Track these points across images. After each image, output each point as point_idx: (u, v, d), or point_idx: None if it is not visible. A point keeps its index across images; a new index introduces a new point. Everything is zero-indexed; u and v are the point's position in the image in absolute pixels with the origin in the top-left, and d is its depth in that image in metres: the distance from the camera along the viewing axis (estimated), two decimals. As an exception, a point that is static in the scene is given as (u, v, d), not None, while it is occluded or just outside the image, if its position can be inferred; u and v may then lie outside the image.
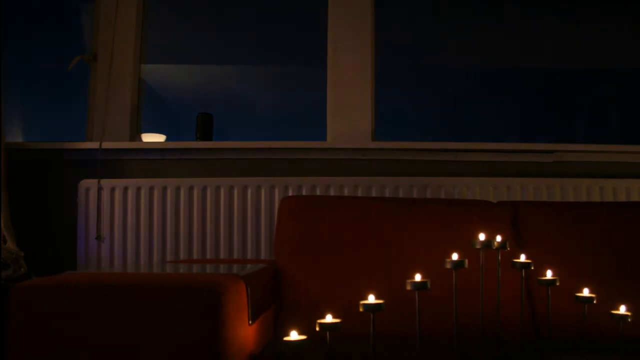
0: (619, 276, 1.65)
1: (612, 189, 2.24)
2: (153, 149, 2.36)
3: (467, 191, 2.25)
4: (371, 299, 1.16)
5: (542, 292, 1.43)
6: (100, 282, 1.02)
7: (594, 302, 1.36)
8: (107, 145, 2.29)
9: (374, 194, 2.24)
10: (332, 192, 2.24)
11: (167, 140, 2.76)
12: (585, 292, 1.38)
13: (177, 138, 2.95)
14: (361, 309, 1.14)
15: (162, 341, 0.98)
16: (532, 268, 1.36)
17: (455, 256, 1.20)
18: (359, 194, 2.24)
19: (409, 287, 1.16)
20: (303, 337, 1.18)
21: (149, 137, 2.79)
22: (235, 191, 2.25)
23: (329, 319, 1.18)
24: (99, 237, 2.23)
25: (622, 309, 1.34)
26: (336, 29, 2.48)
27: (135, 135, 2.46)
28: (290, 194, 2.24)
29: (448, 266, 1.20)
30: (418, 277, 1.17)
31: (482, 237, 1.27)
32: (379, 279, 1.53)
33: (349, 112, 2.44)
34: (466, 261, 1.20)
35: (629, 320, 1.32)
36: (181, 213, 2.25)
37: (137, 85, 2.48)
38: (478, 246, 1.26)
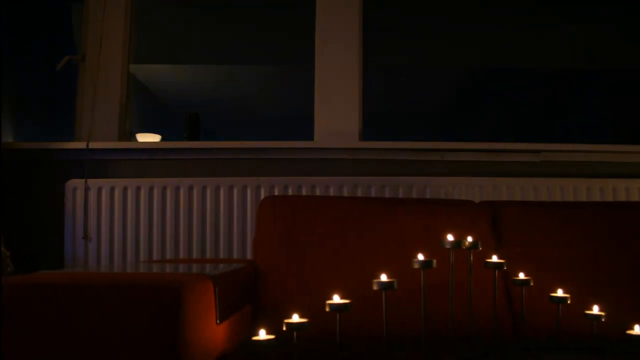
0: (600, 276, 1.64)
1: (599, 188, 2.23)
2: (140, 149, 2.37)
3: (453, 191, 2.25)
4: (336, 298, 1.16)
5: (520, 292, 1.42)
6: (65, 282, 1.03)
7: (568, 302, 1.36)
8: (94, 145, 2.30)
9: (360, 194, 2.25)
10: (318, 192, 2.24)
11: (162, 140, 2.78)
12: (560, 292, 1.38)
13: (175, 138, 2.96)
14: (327, 309, 1.14)
15: (124, 339, 0.98)
16: (505, 268, 1.35)
17: (421, 256, 1.20)
18: (345, 193, 2.24)
19: (375, 287, 1.16)
20: (271, 336, 1.18)
21: (144, 137, 2.80)
22: (222, 191, 2.26)
23: (295, 318, 1.18)
24: (86, 237, 2.24)
25: (595, 309, 1.33)
26: (324, 29, 2.48)
27: (124, 135, 2.47)
28: (276, 193, 2.24)
29: (415, 266, 1.19)
30: (384, 277, 1.17)
31: (450, 237, 1.27)
32: (356, 279, 1.53)
33: (337, 112, 2.44)
34: (434, 261, 1.20)
35: (603, 320, 1.32)
36: (168, 213, 2.26)
37: (126, 86, 2.49)
38: (447, 246, 1.25)
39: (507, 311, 1.60)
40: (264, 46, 3.69)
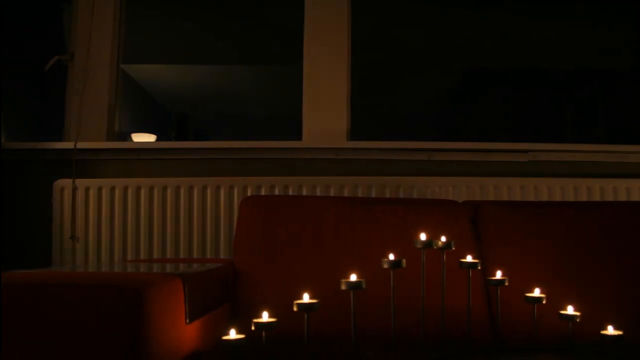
0: (580, 276, 1.63)
1: (587, 188, 2.22)
2: (127, 149, 2.37)
3: (439, 191, 2.24)
4: (305, 298, 1.16)
5: (502, 293, 1.42)
6: (28, 281, 1.03)
7: (543, 302, 1.35)
8: (82, 145, 2.31)
9: (346, 194, 2.24)
10: (304, 192, 2.24)
11: (157, 140, 2.79)
12: (536, 292, 1.37)
13: (172, 138, 2.97)
14: (295, 309, 1.14)
15: (86, 338, 0.98)
16: (479, 268, 1.35)
17: (391, 256, 1.20)
18: (331, 193, 2.24)
19: (343, 287, 1.16)
20: (241, 336, 1.18)
21: (139, 137, 2.82)
22: (208, 191, 2.26)
23: (265, 317, 1.18)
24: (73, 237, 2.25)
25: (570, 310, 1.33)
26: (312, 28, 2.48)
27: (112, 135, 2.47)
28: (263, 193, 2.24)
29: (385, 266, 1.19)
30: (353, 277, 1.17)
31: (423, 237, 1.27)
32: (333, 279, 1.52)
33: (325, 112, 2.44)
34: (404, 261, 1.19)
35: (578, 320, 1.31)
36: (155, 213, 2.26)
37: (115, 86, 2.49)
38: (419, 246, 1.25)
39: (485, 311, 1.59)
40: (259, 46, 3.69)
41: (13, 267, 2.04)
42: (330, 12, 2.47)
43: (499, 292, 1.38)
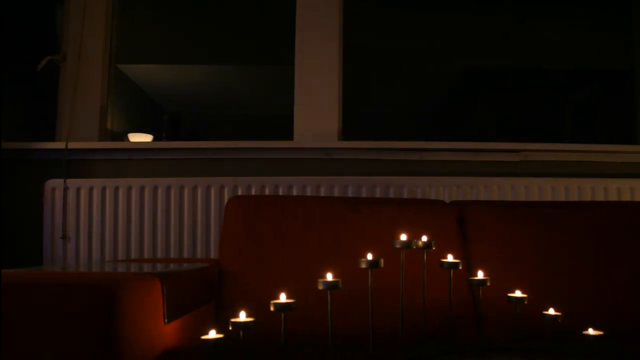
0: (565, 276, 1.63)
1: (577, 188, 2.21)
2: (118, 149, 2.37)
3: (429, 190, 2.23)
4: (282, 297, 1.16)
5: (487, 293, 1.41)
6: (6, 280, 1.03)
7: (525, 302, 1.34)
8: (73, 145, 2.31)
9: (336, 194, 2.24)
10: (295, 192, 2.24)
11: (154, 140, 2.79)
12: (518, 292, 1.36)
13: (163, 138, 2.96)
14: (272, 308, 1.14)
15: (59, 338, 0.98)
16: (460, 267, 1.34)
17: (370, 256, 1.20)
18: (322, 193, 2.24)
19: (320, 287, 1.15)
20: (220, 335, 1.18)
21: (136, 137, 2.83)
22: (199, 191, 2.26)
23: (242, 317, 1.18)
24: (64, 237, 2.25)
25: (552, 311, 1.32)
26: (304, 28, 2.48)
27: (104, 136, 2.48)
28: (253, 193, 2.24)
29: (363, 266, 1.19)
30: (330, 277, 1.16)
31: (403, 237, 1.26)
32: (316, 278, 1.53)
33: (316, 112, 2.44)
34: (382, 260, 1.19)
35: (559, 320, 1.31)
36: (146, 213, 2.26)
37: (107, 85, 2.50)
38: (397, 246, 1.25)
39: (471, 311, 1.58)
40: (254, 46, 3.70)
41: (3, 267, 2.05)
42: (321, 12, 2.47)
43: (481, 292, 1.38)
